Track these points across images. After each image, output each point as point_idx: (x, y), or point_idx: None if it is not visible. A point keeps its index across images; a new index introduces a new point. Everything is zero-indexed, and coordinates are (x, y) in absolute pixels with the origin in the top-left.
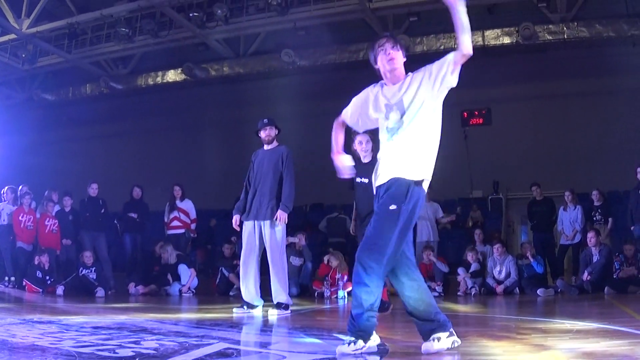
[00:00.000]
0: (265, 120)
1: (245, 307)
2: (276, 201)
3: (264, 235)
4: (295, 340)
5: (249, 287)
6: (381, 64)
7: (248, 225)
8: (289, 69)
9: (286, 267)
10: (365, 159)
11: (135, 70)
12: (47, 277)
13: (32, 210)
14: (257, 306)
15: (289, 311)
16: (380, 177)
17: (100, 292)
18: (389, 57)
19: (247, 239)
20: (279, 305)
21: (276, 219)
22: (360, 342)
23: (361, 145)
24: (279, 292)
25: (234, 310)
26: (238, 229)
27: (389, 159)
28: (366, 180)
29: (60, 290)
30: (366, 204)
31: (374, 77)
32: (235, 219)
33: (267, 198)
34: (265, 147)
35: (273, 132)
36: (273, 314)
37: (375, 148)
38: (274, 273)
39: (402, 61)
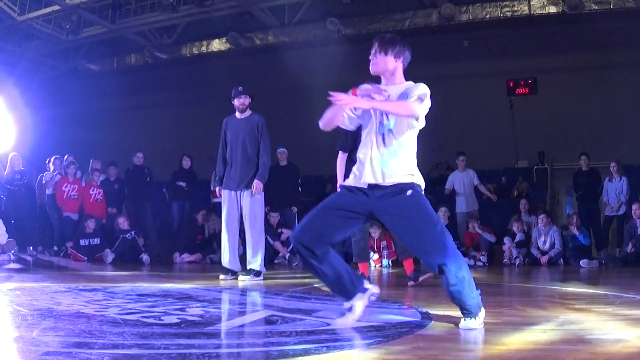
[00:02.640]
0: (240, 89)
1: (229, 274)
2: (255, 170)
3: (242, 204)
4: (339, 308)
5: (231, 254)
6: None
7: (228, 194)
8: (333, 37)
9: (263, 236)
10: None
11: (180, 39)
12: (91, 242)
13: (77, 180)
14: (237, 272)
15: (261, 278)
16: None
17: (145, 257)
18: (371, 62)
19: (227, 208)
20: (250, 272)
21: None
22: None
23: None
24: (254, 259)
25: (221, 277)
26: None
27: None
28: None
29: (110, 257)
30: None
31: (420, 46)
32: (218, 190)
33: (245, 167)
34: (238, 115)
35: (247, 100)
36: (244, 280)
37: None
38: (251, 241)
39: (391, 65)
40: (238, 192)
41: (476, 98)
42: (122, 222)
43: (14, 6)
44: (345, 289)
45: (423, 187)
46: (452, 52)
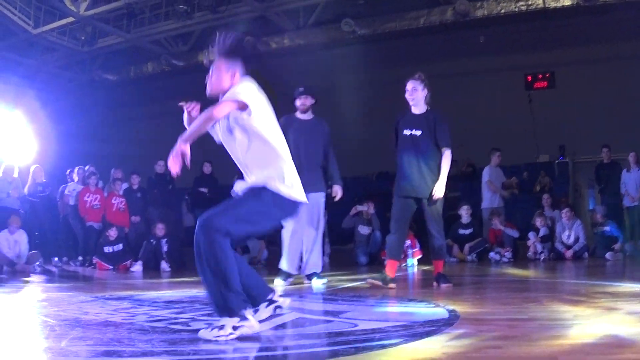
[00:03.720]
0: (301, 89)
1: (287, 278)
2: (322, 173)
3: (318, 207)
4: (367, 309)
5: (296, 258)
6: None
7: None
8: (349, 38)
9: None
10: (415, 109)
11: (196, 46)
12: (114, 248)
13: (99, 190)
14: (294, 276)
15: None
16: None
17: (164, 265)
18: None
19: (308, 212)
20: (314, 275)
21: (334, 195)
22: None
23: (407, 92)
24: (317, 262)
25: (278, 281)
26: None
27: None
28: (418, 132)
29: (137, 265)
30: (413, 158)
31: (436, 43)
32: None
33: (313, 171)
34: (300, 115)
35: (309, 101)
36: (318, 284)
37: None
38: (318, 244)
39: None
40: (311, 195)
41: (494, 94)
42: (160, 229)
43: (29, 20)
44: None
45: (281, 192)
46: (468, 48)
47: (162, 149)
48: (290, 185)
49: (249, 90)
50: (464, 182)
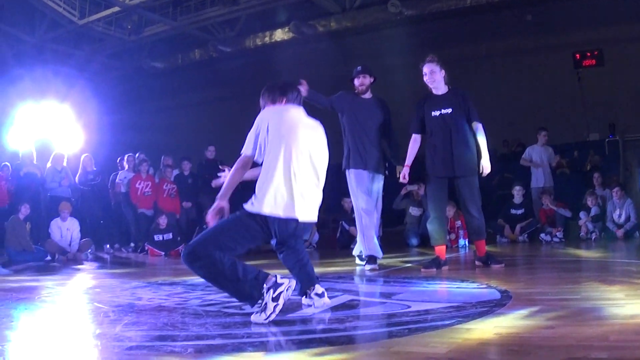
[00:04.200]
0: (359, 68)
1: (367, 260)
2: (383, 154)
3: (372, 187)
4: (419, 290)
5: (375, 239)
6: None
7: (366, 175)
8: (395, 20)
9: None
10: (437, 90)
11: (243, 31)
12: (164, 237)
13: (150, 177)
14: (379, 258)
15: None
16: None
17: None
18: None
19: (365, 189)
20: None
21: (389, 174)
22: None
23: (425, 76)
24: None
25: (366, 267)
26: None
27: None
28: (449, 110)
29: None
30: (447, 137)
31: (483, 23)
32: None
33: (376, 150)
34: (362, 95)
35: (367, 80)
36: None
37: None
38: (379, 223)
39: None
40: (370, 174)
41: (543, 73)
42: None
43: (74, 10)
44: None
45: (252, 210)
46: (516, 27)
47: (211, 135)
48: (279, 203)
49: (252, 131)
50: (515, 162)
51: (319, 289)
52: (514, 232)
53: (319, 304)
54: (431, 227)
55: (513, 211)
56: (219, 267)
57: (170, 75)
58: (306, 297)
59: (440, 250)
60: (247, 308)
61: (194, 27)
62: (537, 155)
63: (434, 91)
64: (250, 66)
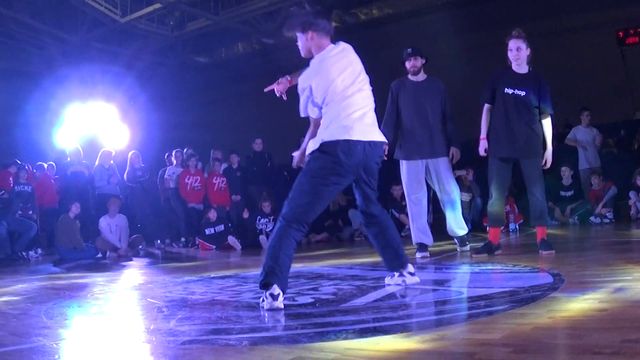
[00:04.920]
0: (409, 50)
1: (417, 248)
2: (441, 137)
3: (436, 171)
4: (471, 276)
5: (427, 227)
6: None
7: (413, 164)
8: (437, 4)
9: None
10: (519, 69)
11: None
12: (216, 229)
13: (199, 171)
14: (429, 245)
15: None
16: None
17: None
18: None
19: (415, 178)
20: (464, 240)
21: (451, 158)
22: None
23: (511, 52)
24: (462, 226)
25: (417, 255)
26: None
27: None
28: (522, 93)
29: (238, 245)
30: (514, 118)
31: (526, 3)
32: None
33: (436, 133)
34: (412, 77)
35: (419, 61)
36: (465, 249)
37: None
38: (453, 208)
39: (307, 43)
40: (425, 161)
41: (586, 51)
42: (266, 206)
43: (115, 9)
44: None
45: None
46: (560, 6)
47: (258, 127)
48: (334, 127)
49: (302, 80)
50: (563, 143)
51: (410, 267)
52: (564, 214)
53: (410, 281)
54: (492, 209)
55: (562, 193)
56: None
57: (214, 70)
58: (399, 275)
59: (495, 233)
60: (300, 299)
61: (236, 20)
62: (582, 136)
63: (515, 68)
64: (293, 57)
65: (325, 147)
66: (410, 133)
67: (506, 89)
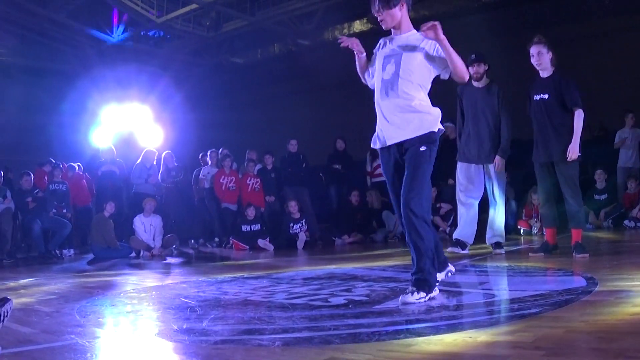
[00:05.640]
0: (473, 56)
1: (459, 247)
2: (492, 143)
3: (489, 176)
4: (504, 279)
5: (470, 227)
6: None
7: (466, 168)
8: (474, 6)
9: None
10: (543, 73)
11: (321, 24)
12: (252, 228)
13: (234, 172)
14: (468, 243)
15: (503, 250)
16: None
17: (300, 243)
18: (379, 19)
19: (465, 180)
20: (498, 245)
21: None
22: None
23: (533, 58)
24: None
25: (450, 249)
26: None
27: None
28: (545, 96)
29: (269, 246)
30: (543, 122)
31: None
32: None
33: (487, 140)
34: (475, 83)
35: (482, 68)
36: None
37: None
38: (496, 214)
39: (399, 17)
40: (478, 166)
41: (624, 54)
42: (293, 206)
43: (152, 9)
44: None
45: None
46: (593, 10)
47: (293, 128)
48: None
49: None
50: (597, 147)
51: (452, 267)
52: (598, 218)
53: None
54: (541, 210)
55: (597, 197)
56: None
57: (250, 70)
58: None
59: (551, 233)
60: (333, 300)
61: (272, 21)
62: (628, 137)
63: (540, 73)
64: (329, 59)
65: (436, 137)
66: (467, 136)
67: (535, 96)
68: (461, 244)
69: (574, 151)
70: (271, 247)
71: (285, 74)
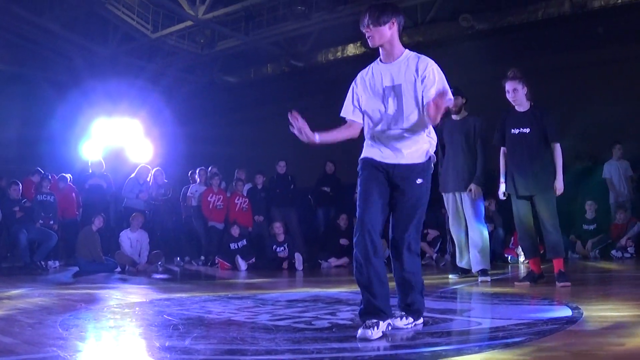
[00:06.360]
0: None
1: (460, 273)
2: (469, 173)
3: (464, 205)
4: (490, 307)
5: (461, 254)
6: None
7: (445, 197)
8: (467, 34)
9: (484, 236)
10: (519, 108)
11: (315, 46)
12: (239, 245)
13: (222, 190)
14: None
15: (488, 278)
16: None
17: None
18: (367, 36)
19: (451, 210)
20: (480, 272)
21: (470, 191)
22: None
23: (508, 94)
24: (480, 260)
25: (450, 276)
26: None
27: None
28: (526, 130)
29: (243, 265)
30: (524, 156)
31: (554, 36)
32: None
33: (462, 170)
34: (454, 116)
35: (459, 101)
36: (482, 280)
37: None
38: (472, 243)
39: (388, 36)
40: (458, 194)
41: (615, 85)
42: (278, 227)
43: (147, 24)
44: None
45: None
46: (586, 40)
47: (283, 149)
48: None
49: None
50: (586, 177)
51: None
52: (585, 248)
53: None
54: (521, 242)
55: (585, 227)
56: None
57: (242, 89)
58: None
59: (534, 263)
60: (317, 323)
61: (266, 42)
62: (615, 169)
63: (516, 107)
64: (322, 81)
65: (431, 164)
66: (445, 167)
67: (512, 130)
68: (463, 271)
69: (560, 186)
70: (245, 266)
71: (278, 95)
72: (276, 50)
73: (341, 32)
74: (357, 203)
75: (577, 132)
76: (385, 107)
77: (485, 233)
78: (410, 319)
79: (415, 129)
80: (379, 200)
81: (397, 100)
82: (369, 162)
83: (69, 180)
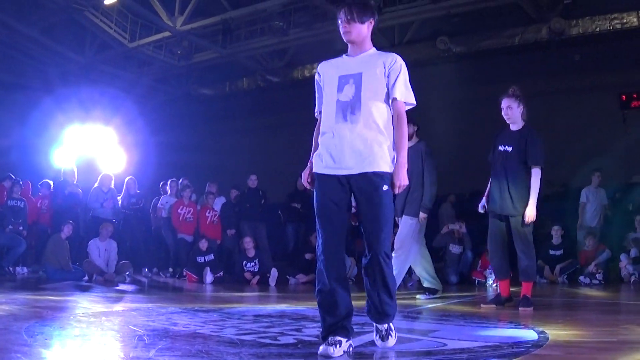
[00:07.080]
0: None
1: (427, 293)
2: (411, 198)
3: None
4: (456, 328)
5: (428, 274)
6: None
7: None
8: (444, 56)
9: (411, 257)
10: (513, 126)
11: (291, 62)
12: (206, 258)
13: (192, 203)
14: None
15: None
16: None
17: (255, 279)
18: (344, 30)
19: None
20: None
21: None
22: None
23: (503, 111)
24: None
25: (417, 297)
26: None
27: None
28: (509, 149)
29: (210, 277)
30: (501, 175)
31: (531, 61)
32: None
33: (414, 195)
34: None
35: (411, 129)
36: (420, 299)
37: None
38: (417, 262)
39: (364, 34)
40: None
41: (589, 113)
42: (248, 242)
43: (124, 33)
44: None
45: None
46: (563, 66)
47: (255, 163)
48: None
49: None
50: (555, 202)
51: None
52: (553, 273)
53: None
54: (492, 263)
55: (552, 252)
56: None
57: (217, 102)
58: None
59: (502, 284)
60: (283, 339)
61: (243, 56)
62: (592, 195)
63: (510, 126)
64: (297, 97)
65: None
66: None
67: (499, 147)
68: (431, 290)
69: (531, 214)
70: (211, 279)
71: (252, 109)
72: (252, 65)
73: (318, 49)
74: (316, 224)
75: (549, 159)
76: (337, 94)
77: (415, 254)
78: (385, 325)
79: (373, 126)
80: (336, 223)
81: (355, 88)
82: (322, 179)
83: (51, 187)
